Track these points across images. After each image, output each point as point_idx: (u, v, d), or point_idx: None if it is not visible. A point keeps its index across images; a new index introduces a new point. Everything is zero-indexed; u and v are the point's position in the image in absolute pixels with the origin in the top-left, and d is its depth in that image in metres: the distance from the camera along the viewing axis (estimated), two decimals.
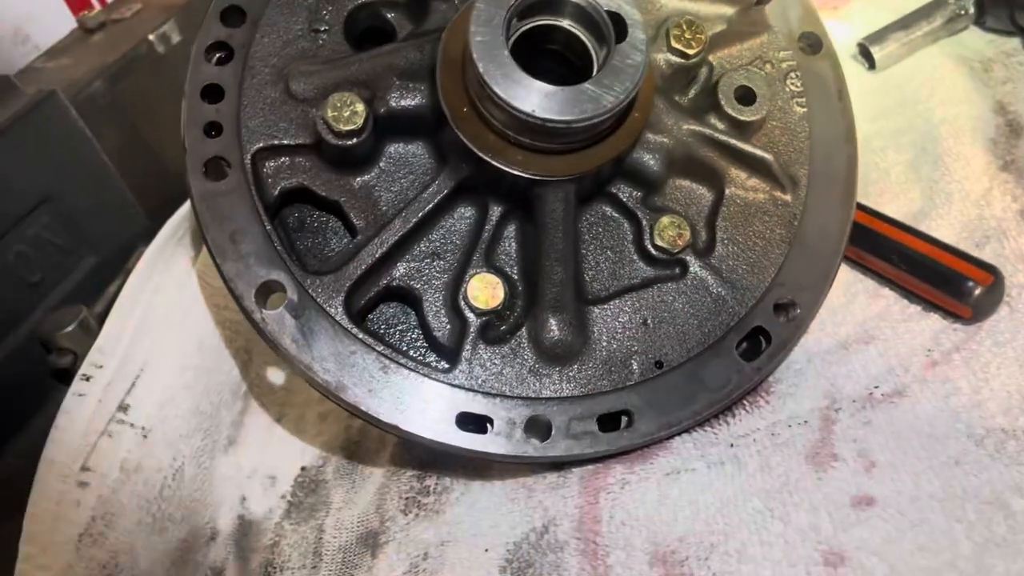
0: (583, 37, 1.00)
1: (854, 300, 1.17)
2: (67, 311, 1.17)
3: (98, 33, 1.55)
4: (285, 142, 1.05)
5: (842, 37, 1.61)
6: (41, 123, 1.21)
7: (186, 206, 1.43)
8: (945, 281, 1.08)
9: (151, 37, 1.48)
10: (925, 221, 1.21)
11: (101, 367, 1.15)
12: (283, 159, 1.06)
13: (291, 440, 1.26)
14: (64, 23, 1.73)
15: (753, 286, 1.09)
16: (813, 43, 1.20)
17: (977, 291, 1.05)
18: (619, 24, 0.96)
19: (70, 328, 1.15)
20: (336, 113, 1.00)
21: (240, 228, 1.02)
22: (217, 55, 1.09)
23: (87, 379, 1.13)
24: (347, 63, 1.07)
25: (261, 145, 1.05)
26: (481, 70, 0.92)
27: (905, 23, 1.52)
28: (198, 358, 1.23)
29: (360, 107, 1.01)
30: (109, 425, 1.09)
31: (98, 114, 1.33)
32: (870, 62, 1.53)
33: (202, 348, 1.25)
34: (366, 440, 1.23)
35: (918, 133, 1.35)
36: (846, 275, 1.20)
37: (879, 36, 1.52)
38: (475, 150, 0.99)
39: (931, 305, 1.12)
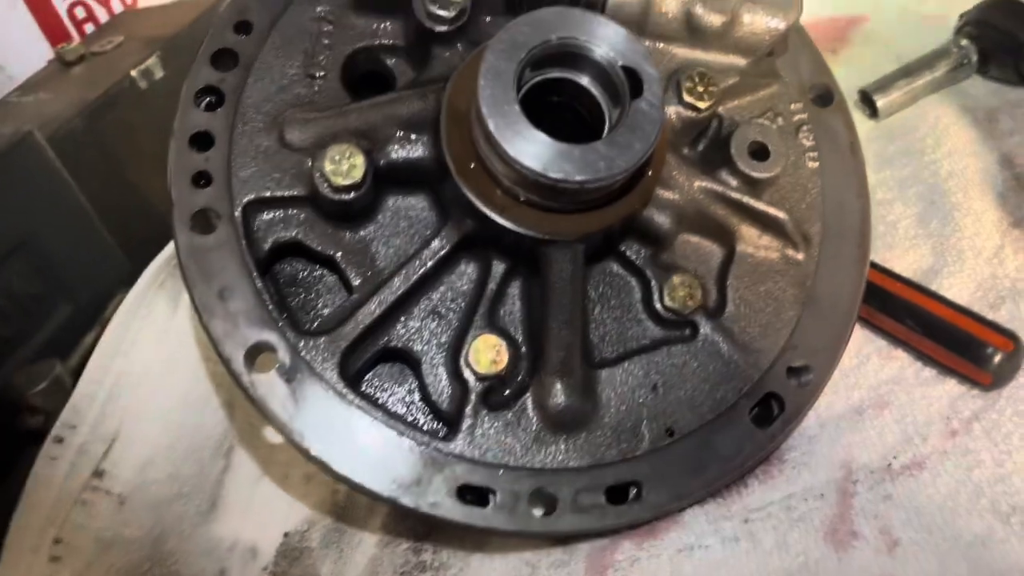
0: (595, 93, 0.95)
1: (866, 362, 1.13)
2: (39, 367, 1.10)
3: (77, 66, 1.49)
4: (278, 194, 1.00)
5: (841, 82, 1.60)
6: (17, 165, 1.15)
7: (168, 249, 1.37)
8: (963, 346, 1.04)
9: (133, 73, 1.42)
10: (937, 279, 1.18)
11: (75, 427, 1.08)
12: (275, 212, 1.00)
13: (274, 502, 1.19)
14: (41, 54, 1.67)
15: (765, 349, 1.05)
16: (824, 95, 1.17)
17: (997, 358, 1.02)
18: (635, 80, 0.91)
19: (42, 386, 1.07)
20: (334, 166, 0.95)
21: (229, 285, 0.96)
22: (207, 100, 1.03)
23: (59, 441, 1.06)
24: (345, 112, 1.01)
25: (252, 197, 0.99)
26: (491, 127, 0.87)
27: (908, 71, 1.50)
28: (180, 415, 1.17)
29: (360, 160, 0.96)
30: (83, 492, 1.03)
31: (77, 153, 1.26)
32: (872, 110, 1.50)
33: (185, 403, 1.18)
34: (355, 504, 1.16)
35: (925, 186, 1.32)
36: (857, 335, 1.16)
37: (882, 84, 1.50)
38: (482, 207, 0.94)
39: (947, 369, 1.08)
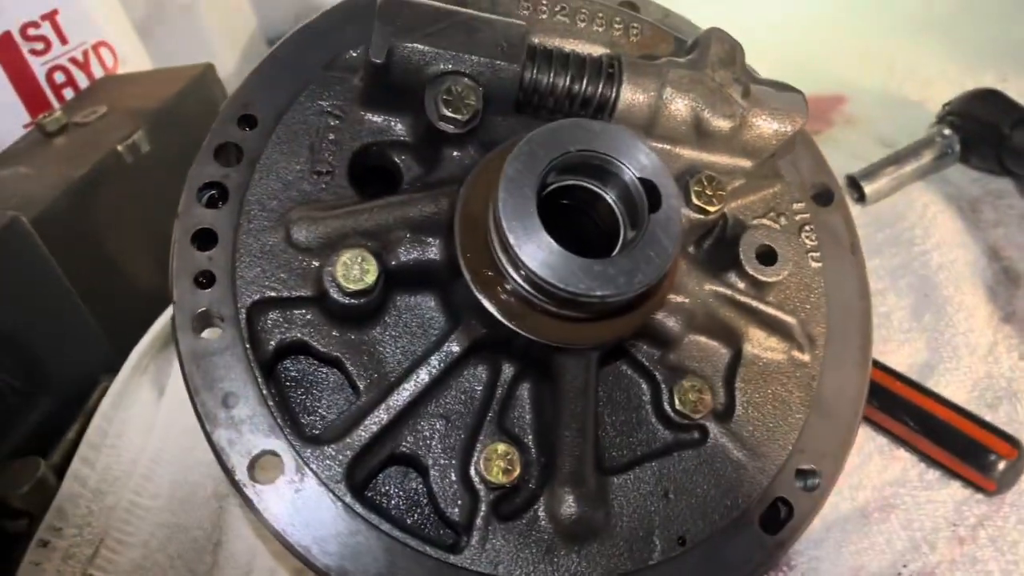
0: (611, 202, 0.95)
1: (868, 461, 1.13)
2: (21, 466, 1.05)
3: (59, 137, 1.45)
4: (284, 294, 0.97)
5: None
6: (3, 253, 1.10)
7: (151, 332, 1.33)
8: (967, 452, 1.06)
9: (119, 147, 1.38)
10: (933, 375, 1.19)
11: (60, 530, 1.03)
12: (281, 312, 0.98)
13: None
14: (18, 119, 1.62)
15: (774, 453, 1.04)
16: (824, 193, 1.18)
17: (1001, 465, 1.03)
18: (653, 193, 0.91)
19: (25, 488, 1.02)
20: (346, 271, 0.93)
21: (233, 391, 0.93)
22: (209, 194, 1.01)
23: (44, 545, 1.01)
24: (355, 213, 0.99)
25: (257, 298, 0.96)
26: (512, 240, 0.86)
27: (895, 159, 1.53)
28: (169, 513, 1.12)
29: (372, 266, 0.94)
30: None
31: (62, 236, 1.22)
32: (859, 195, 1.53)
33: (172, 500, 1.14)
34: None
35: (916, 277, 1.35)
36: (858, 433, 1.16)
37: (869, 171, 1.53)
38: (496, 315, 0.93)
39: (950, 471, 1.09)
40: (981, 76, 1.68)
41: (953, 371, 1.18)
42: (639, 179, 0.92)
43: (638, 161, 0.92)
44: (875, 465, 1.12)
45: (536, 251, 0.87)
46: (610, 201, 0.95)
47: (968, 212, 1.44)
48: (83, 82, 1.69)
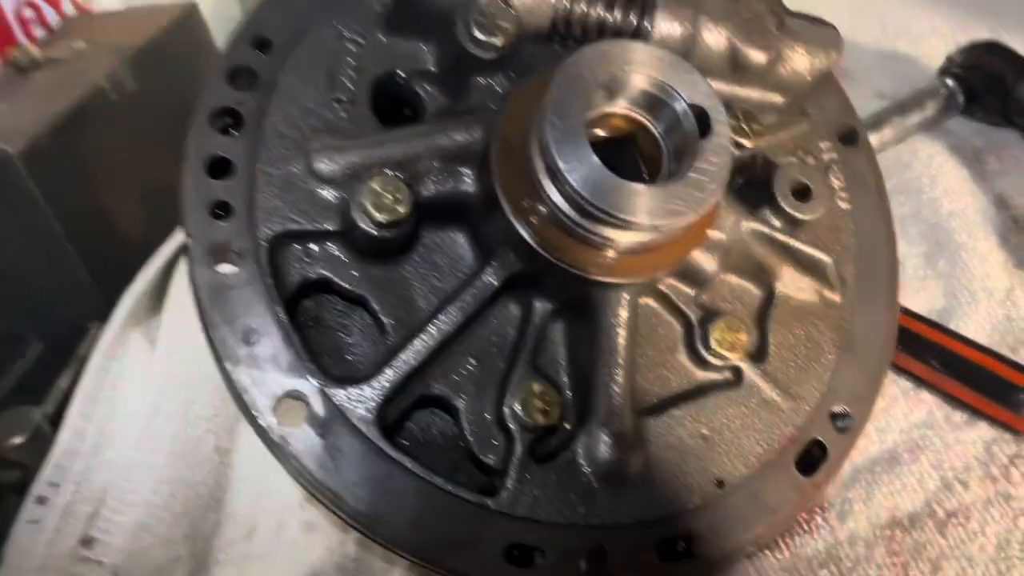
0: (658, 136, 0.91)
1: (894, 404, 1.12)
2: (15, 415, 0.97)
3: (36, 73, 1.35)
4: (307, 227, 0.92)
5: None
6: None
7: (143, 279, 1.26)
8: (994, 391, 1.05)
9: (103, 82, 1.30)
10: (953, 321, 1.19)
11: (58, 486, 0.96)
12: (303, 246, 0.92)
13: (271, 558, 1.09)
14: None
15: (808, 395, 1.02)
16: (850, 134, 1.16)
17: None
18: (704, 120, 0.87)
19: (21, 439, 0.95)
20: (377, 200, 0.88)
21: (255, 327, 0.87)
22: (224, 122, 0.94)
23: (42, 502, 0.94)
24: (380, 141, 0.94)
25: (279, 230, 0.90)
26: (562, 166, 0.82)
27: (899, 109, 1.52)
28: (171, 468, 1.06)
29: (405, 195, 0.89)
30: (71, 564, 0.90)
31: (47, 172, 1.14)
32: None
33: (174, 455, 1.08)
34: (368, 558, 1.08)
35: (927, 225, 1.34)
36: None
37: (872, 120, 1.51)
38: (536, 246, 0.89)
39: (977, 412, 1.08)
40: (974, 32, 1.68)
41: (972, 315, 1.18)
42: (690, 105, 0.88)
43: (690, 86, 0.88)
44: (901, 408, 1.11)
45: (588, 176, 0.83)
46: (656, 133, 0.91)
47: (973, 162, 1.44)
48: (53, 19, 1.58)
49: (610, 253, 0.90)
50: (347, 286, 0.93)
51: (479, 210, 0.93)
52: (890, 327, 1.08)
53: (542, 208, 0.88)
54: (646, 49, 0.88)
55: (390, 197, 0.88)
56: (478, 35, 0.94)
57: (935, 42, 1.74)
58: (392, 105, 1.02)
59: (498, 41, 0.94)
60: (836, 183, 1.12)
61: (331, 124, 0.96)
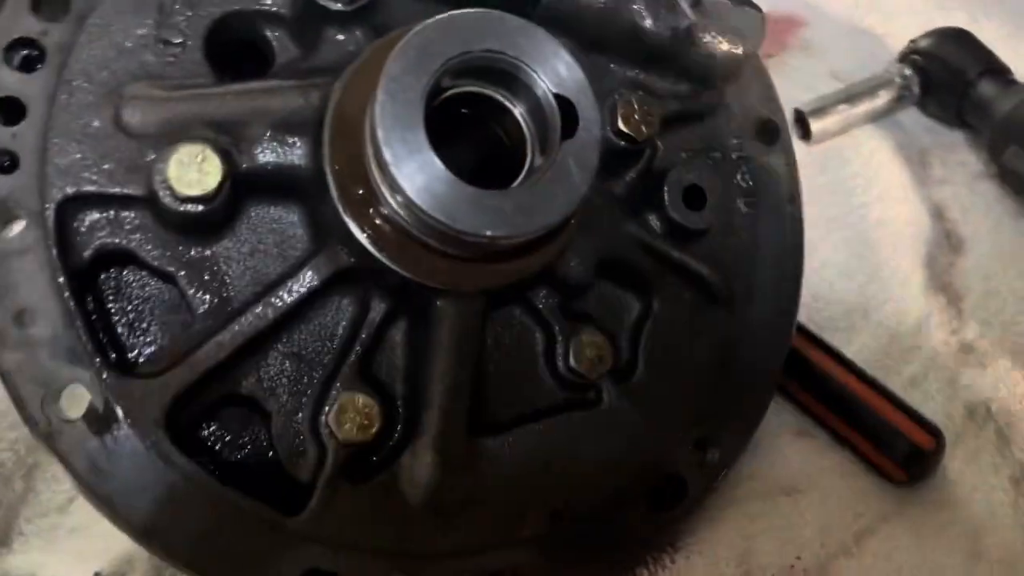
0: (520, 118, 0.78)
1: (775, 438, 1.03)
2: None
3: None
4: (108, 191, 0.79)
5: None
6: None
7: None
8: (882, 437, 0.96)
9: None
10: (857, 339, 1.09)
11: None
12: (102, 212, 0.80)
13: (86, 535, 1.00)
14: None
15: (673, 422, 0.93)
16: (769, 131, 1.03)
17: (916, 456, 0.93)
18: (569, 115, 0.75)
19: None
20: (180, 171, 0.75)
21: (31, 305, 0.76)
22: (23, 54, 0.80)
23: None
24: (206, 96, 0.81)
25: (73, 192, 0.78)
26: (388, 158, 0.69)
27: (849, 96, 1.39)
28: None
29: (215, 166, 0.76)
30: None
31: None
32: (804, 131, 1.39)
33: None
34: None
35: (853, 231, 1.23)
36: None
37: (819, 106, 1.39)
38: (365, 243, 0.77)
39: (861, 456, 0.99)
40: (951, 15, 1.54)
41: (879, 338, 1.08)
42: (554, 95, 0.75)
43: (556, 72, 0.75)
44: (782, 442, 1.02)
45: (417, 173, 0.71)
46: (518, 115, 0.79)
47: (916, 164, 1.32)
48: None
49: (453, 260, 0.78)
50: (154, 262, 0.81)
51: (309, 189, 0.80)
52: (779, 352, 0.99)
53: (375, 201, 0.76)
54: (514, 22, 0.75)
55: (196, 169, 0.75)
56: None
57: (907, 21, 1.60)
58: (239, 55, 0.88)
59: None
60: (743, 185, 1.00)
61: (152, 70, 0.82)
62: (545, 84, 0.74)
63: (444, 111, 0.77)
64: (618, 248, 0.90)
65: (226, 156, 0.77)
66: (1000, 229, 1.20)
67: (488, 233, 0.71)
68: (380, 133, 0.70)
